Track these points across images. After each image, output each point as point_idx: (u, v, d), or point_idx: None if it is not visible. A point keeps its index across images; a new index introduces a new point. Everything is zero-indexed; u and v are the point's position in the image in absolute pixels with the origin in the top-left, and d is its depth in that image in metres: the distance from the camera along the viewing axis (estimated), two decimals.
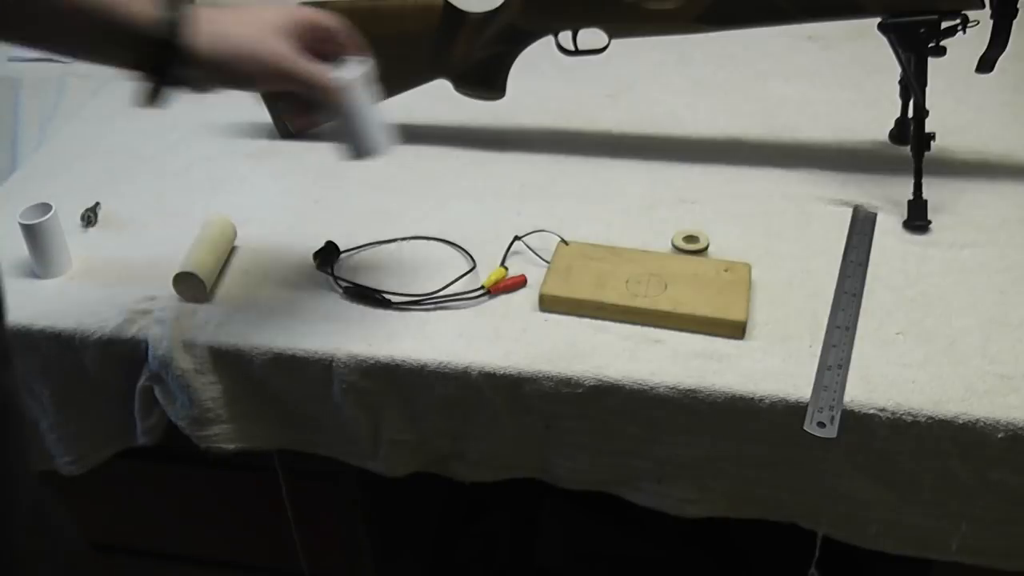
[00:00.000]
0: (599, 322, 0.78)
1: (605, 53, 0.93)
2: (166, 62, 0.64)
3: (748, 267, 0.80)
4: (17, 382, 0.61)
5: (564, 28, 0.93)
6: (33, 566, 0.65)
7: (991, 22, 0.83)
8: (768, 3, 0.86)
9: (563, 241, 0.85)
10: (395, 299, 0.81)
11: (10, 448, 0.60)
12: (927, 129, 0.85)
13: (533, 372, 0.74)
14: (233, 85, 0.69)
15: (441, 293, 0.81)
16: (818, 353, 0.74)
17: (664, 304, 0.77)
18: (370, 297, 0.81)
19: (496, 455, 0.81)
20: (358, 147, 0.77)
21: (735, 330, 0.75)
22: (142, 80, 0.65)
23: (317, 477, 0.92)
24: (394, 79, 1.00)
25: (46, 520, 0.66)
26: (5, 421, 0.58)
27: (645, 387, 0.72)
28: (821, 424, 0.69)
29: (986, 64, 0.85)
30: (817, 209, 0.90)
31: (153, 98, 0.66)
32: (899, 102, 0.95)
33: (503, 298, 0.81)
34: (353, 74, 0.74)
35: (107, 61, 0.65)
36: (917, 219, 0.86)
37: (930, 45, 0.83)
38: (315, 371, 0.78)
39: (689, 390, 0.72)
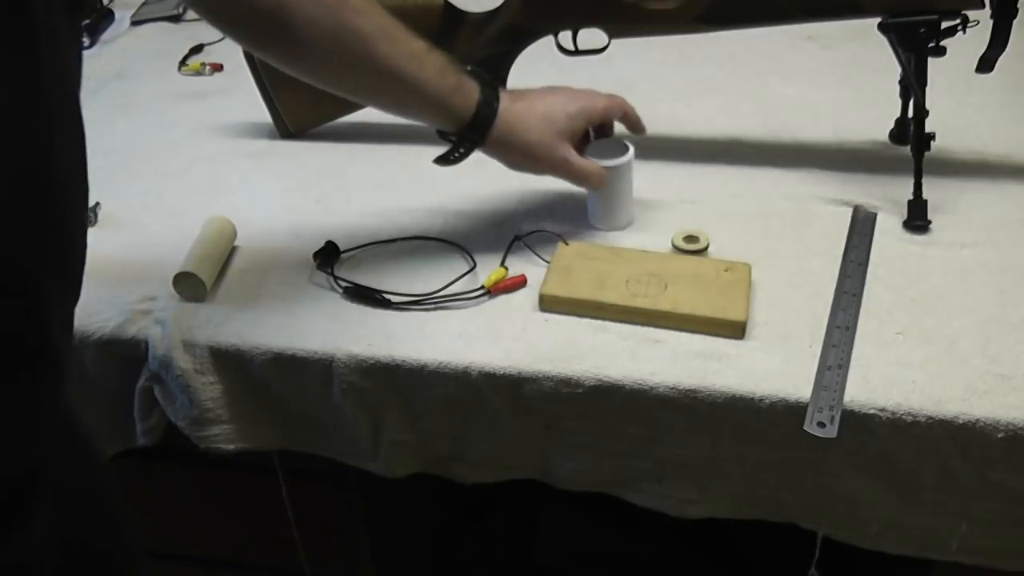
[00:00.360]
0: (599, 322, 0.78)
1: (605, 53, 0.93)
2: (470, 143, 0.80)
3: (748, 267, 0.80)
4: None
5: (564, 28, 0.93)
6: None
7: (991, 22, 0.82)
8: (768, 3, 0.86)
9: (563, 241, 0.85)
10: (395, 299, 0.81)
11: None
12: (927, 129, 0.85)
13: (533, 372, 0.74)
14: (515, 169, 0.84)
15: (441, 293, 0.81)
16: (818, 353, 0.74)
17: (664, 304, 0.77)
18: (370, 297, 0.81)
19: (496, 456, 0.81)
20: (614, 221, 0.88)
21: (735, 330, 0.75)
22: (444, 140, 0.81)
23: (317, 477, 0.92)
24: None
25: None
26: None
27: (645, 387, 0.72)
28: (821, 424, 0.69)
29: (986, 64, 0.85)
30: (817, 209, 0.90)
31: (447, 161, 0.82)
32: (899, 102, 0.95)
33: (503, 298, 0.81)
34: (624, 159, 0.85)
35: (421, 120, 0.81)
36: (917, 219, 0.86)
37: (930, 45, 0.83)
38: (315, 371, 0.78)
39: (689, 390, 0.72)
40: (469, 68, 0.80)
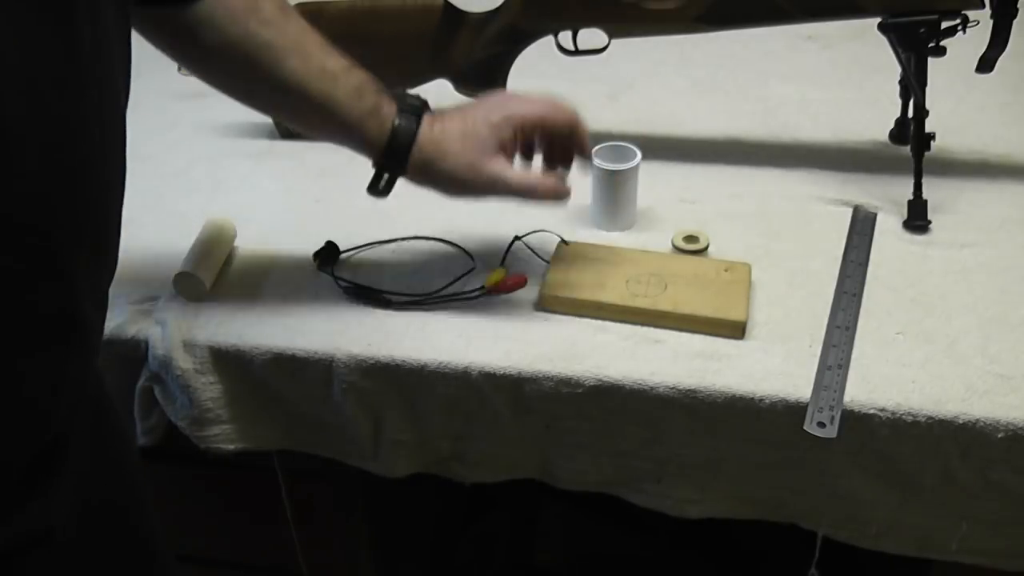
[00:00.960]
0: (599, 322, 0.78)
1: (605, 53, 0.93)
2: (390, 169, 0.74)
3: (748, 267, 0.80)
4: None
5: (564, 28, 0.93)
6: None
7: (991, 22, 0.83)
8: (768, 3, 0.86)
9: (563, 241, 0.85)
10: (395, 299, 0.81)
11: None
12: (927, 129, 0.85)
13: (533, 372, 0.74)
14: (451, 196, 0.76)
15: (441, 293, 0.81)
16: (818, 353, 0.74)
17: (664, 304, 0.77)
18: (370, 297, 0.81)
19: (496, 456, 0.81)
20: (617, 223, 0.88)
21: (735, 330, 0.75)
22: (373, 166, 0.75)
23: (317, 477, 0.92)
24: (394, 79, 1.00)
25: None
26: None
27: (645, 387, 0.72)
28: (821, 424, 0.69)
29: (986, 64, 0.85)
30: (817, 209, 0.90)
31: (375, 190, 0.75)
32: (899, 102, 0.95)
33: (503, 298, 0.81)
34: (631, 164, 0.85)
35: (336, 143, 0.76)
36: (917, 219, 0.86)
37: (930, 45, 0.83)
38: (315, 371, 0.78)
39: (689, 390, 0.72)
40: (399, 92, 0.74)
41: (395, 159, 0.73)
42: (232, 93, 0.74)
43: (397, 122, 0.72)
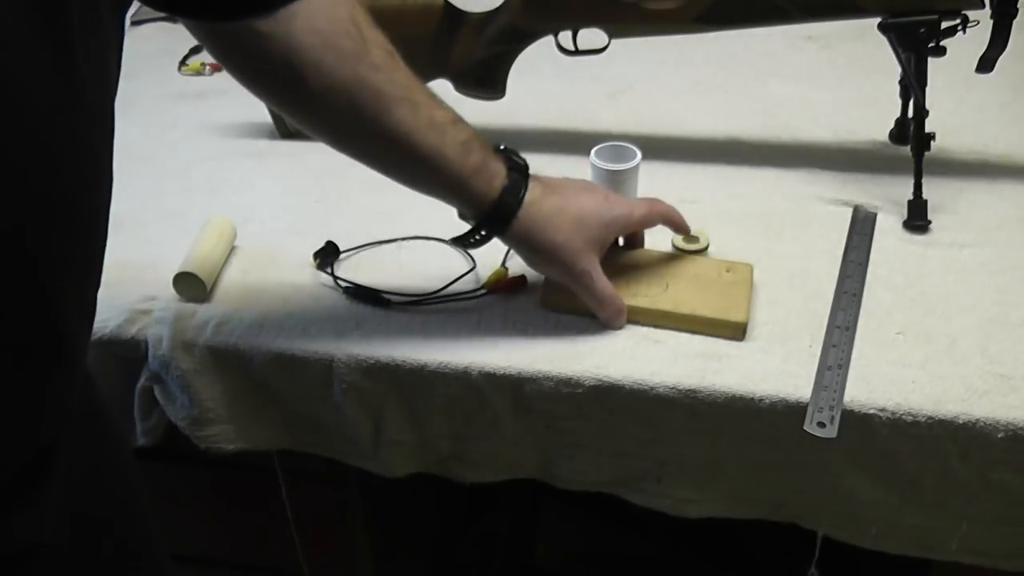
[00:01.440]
0: (599, 322, 0.78)
1: (605, 53, 0.93)
2: (488, 230, 0.72)
3: (750, 268, 0.80)
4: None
5: (564, 28, 0.93)
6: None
7: (991, 22, 0.83)
8: (768, 3, 0.86)
9: None
10: (395, 299, 0.81)
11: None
12: (927, 129, 0.85)
13: (533, 372, 0.74)
14: (531, 266, 0.77)
15: (441, 293, 0.81)
16: (818, 353, 0.74)
17: (664, 304, 0.77)
18: (370, 297, 0.81)
19: (496, 455, 0.81)
20: None
21: (736, 331, 0.75)
22: (466, 221, 0.74)
23: (317, 477, 0.92)
24: None
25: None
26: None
27: (645, 387, 0.72)
28: (821, 424, 0.69)
29: (986, 64, 0.85)
30: (817, 209, 0.90)
31: (466, 243, 0.75)
32: (899, 102, 0.95)
33: (503, 298, 0.81)
34: (631, 164, 0.84)
35: (443, 199, 0.74)
36: (917, 219, 0.86)
37: (930, 45, 0.83)
38: (315, 371, 0.78)
39: (689, 390, 0.72)
40: (501, 147, 0.73)
41: (498, 220, 0.71)
42: (333, 140, 0.71)
43: (506, 182, 0.71)
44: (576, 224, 0.72)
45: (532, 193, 0.71)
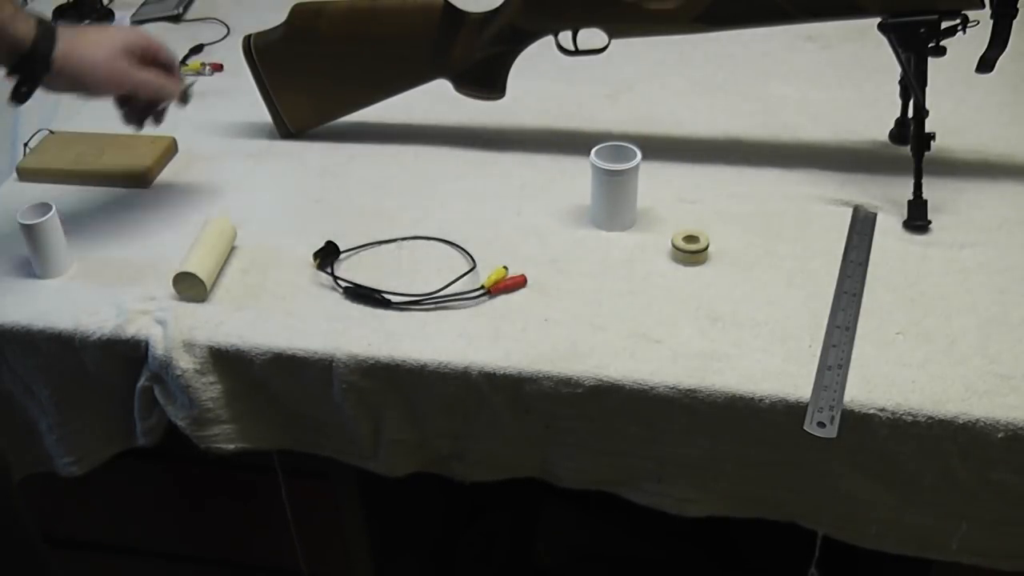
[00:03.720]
0: (599, 322, 0.78)
1: (605, 53, 0.93)
2: (35, 71, 0.82)
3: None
4: None
5: (564, 28, 0.93)
6: None
7: (991, 22, 0.83)
8: (768, 3, 0.86)
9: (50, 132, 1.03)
10: (395, 299, 0.81)
11: None
12: (927, 129, 0.85)
13: (533, 372, 0.74)
14: (84, 92, 0.86)
15: (441, 293, 0.81)
16: (818, 353, 0.74)
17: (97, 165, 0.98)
18: (370, 297, 0.81)
19: (496, 455, 0.81)
20: (617, 222, 0.88)
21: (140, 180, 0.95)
22: (11, 80, 0.82)
23: (317, 477, 0.92)
24: (394, 79, 1.00)
25: None
26: None
27: (645, 387, 0.72)
28: (821, 424, 0.69)
29: (986, 64, 0.85)
30: (817, 209, 0.90)
31: (18, 96, 0.83)
32: (899, 102, 0.95)
33: (503, 298, 0.81)
34: (631, 164, 0.85)
35: None
36: (917, 219, 0.86)
37: (930, 45, 0.83)
38: (315, 371, 0.78)
39: (689, 390, 0.72)
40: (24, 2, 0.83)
41: (40, 58, 0.80)
42: None
43: (41, 27, 0.80)
44: (102, 37, 0.85)
45: (63, 31, 0.82)
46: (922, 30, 0.83)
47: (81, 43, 0.83)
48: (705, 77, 1.13)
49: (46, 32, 0.81)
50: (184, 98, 0.92)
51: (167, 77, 0.89)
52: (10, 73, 0.82)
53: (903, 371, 0.72)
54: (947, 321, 0.76)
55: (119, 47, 0.85)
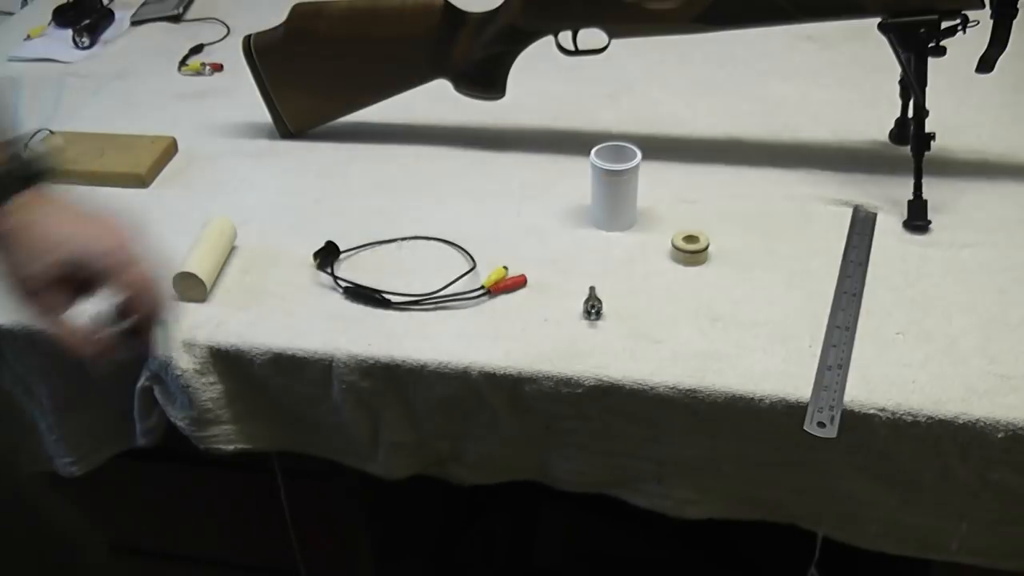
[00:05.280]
0: (599, 322, 0.78)
1: (605, 53, 0.93)
2: None
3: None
4: None
5: (564, 28, 0.93)
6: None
7: (991, 22, 0.82)
8: (768, 3, 0.86)
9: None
10: (395, 299, 0.81)
11: None
12: (927, 129, 0.85)
13: (533, 372, 0.74)
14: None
15: (441, 293, 0.81)
16: (818, 353, 0.74)
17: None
18: (370, 297, 0.81)
19: (495, 457, 0.81)
20: (617, 223, 0.88)
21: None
22: None
23: (316, 478, 0.92)
24: (394, 79, 1.00)
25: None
26: None
27: (645, 387, 0.72)
28: (821, 424, 0.69)
29: (986, 64, 0.85)
30: (817, 209, 0.90)
31: None
32: (899, 102, 0.95)
33: (503, 298, 0.81)
34: (631, 164, 0.85)
35: None
36: (917, 219, 0.86)
37: (930, 45, 0.83)
38: (315, 371, 0.78)
39: (689, 390, 0.72)
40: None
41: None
42: None
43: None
44: (56, 248, 0.65)
45: (19, 201, 0.65)
46: (922, 30, 0.83)
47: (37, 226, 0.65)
48: (705, 77, 1.13)
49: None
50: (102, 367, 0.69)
51: (84, 334, 0.68)
52: None
53: (903, 371, 0.72)
54: (947, 321, 0.76)
55: (61, 260, 0.66)
